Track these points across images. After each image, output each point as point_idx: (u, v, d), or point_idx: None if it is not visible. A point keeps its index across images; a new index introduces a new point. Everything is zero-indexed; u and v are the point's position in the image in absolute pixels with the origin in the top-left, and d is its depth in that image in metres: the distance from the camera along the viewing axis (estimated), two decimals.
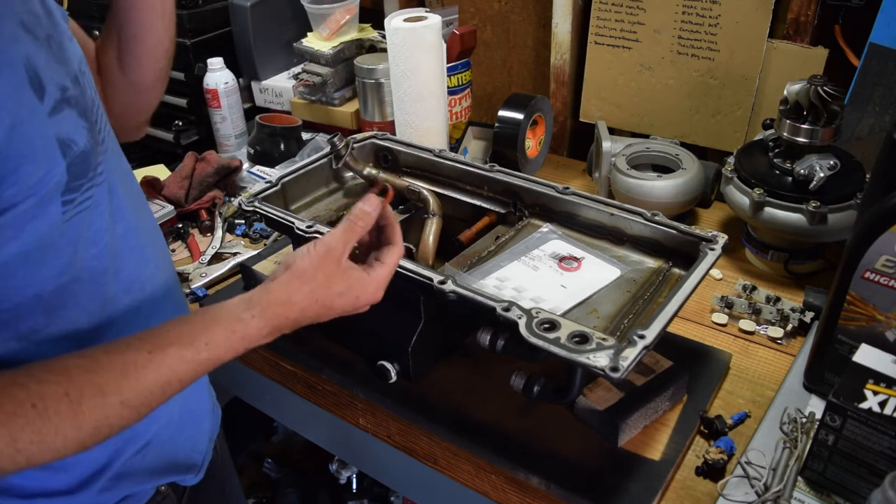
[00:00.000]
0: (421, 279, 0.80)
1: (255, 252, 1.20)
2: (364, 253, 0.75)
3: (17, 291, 0.57)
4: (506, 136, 1.30)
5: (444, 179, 1.07)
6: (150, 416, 0.73)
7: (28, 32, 0.55)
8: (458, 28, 1.42)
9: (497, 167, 1.02)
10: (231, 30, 1.59)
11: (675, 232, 0.87)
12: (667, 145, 1.29)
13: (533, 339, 0.69)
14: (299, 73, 1.57)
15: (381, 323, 0.92)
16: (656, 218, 0.89)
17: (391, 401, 0.92)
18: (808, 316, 0.99)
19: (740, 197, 1.09)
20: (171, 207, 1.31)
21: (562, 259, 0.91)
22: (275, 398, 1.11)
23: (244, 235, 1.30)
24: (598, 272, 0.88)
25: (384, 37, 1.42)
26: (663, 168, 1.27)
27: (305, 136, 1.53)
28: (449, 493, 0.90)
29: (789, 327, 0.99)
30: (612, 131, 1.42)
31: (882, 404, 0.69)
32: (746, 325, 1.02)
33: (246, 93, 1.64)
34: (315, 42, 1.53)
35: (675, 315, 0.73)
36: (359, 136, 1.12)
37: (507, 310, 0.73)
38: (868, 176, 0.95)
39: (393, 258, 0.72)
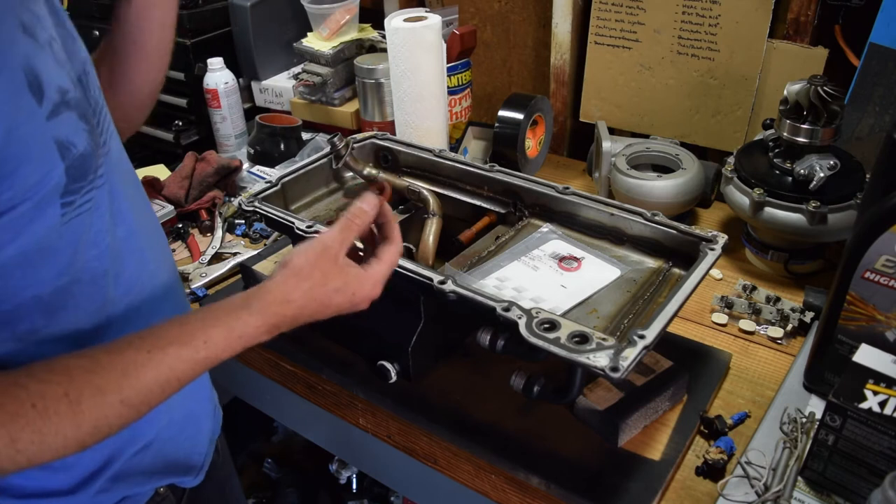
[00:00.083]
0: (421, 279, 0.80)
1: (255, 252, 1.20)
2: (366, 252, 0.75)
3: (16, 292, 0.57)
4: (506, 136, 1.30)
5: (444, 179, 1.07)
6: (151, 417, 0.73)
7: (28, 34, 0.55)
8: (458, 28, 1.42)
9: (497, 167, 1.02)
10: (231, 30, 1.59)
11: (675, 232, 0.87)
12: (667, 145, 1.29)
13: (533, 339, 0.69)
14: (299, 73, 1.57)
15: (381, 323, 0.92)
16: (656, 218, 0.89)
17: (391, 401, 0.92)
18: (808, 316, 0.99)
19: (740, 197, 1.09)
20: (171, 207, 1.31)
21: (562, 259, 0.91)
22: (275, 398, 1.11)
23: (244, 235, 1.30)
24: (598, 272, 0.88)
25: (384, 37, 1.42)
26: (663, 168, 1.27)
27: (305, 136, 1.53)
28: (449, 493, 0.90)
29: (789, 327, 0.99)
30: (612, 131, 1.41)
31: (882, 404, 0.69)
32: (746, 325, 1.02)
33: (246, 93, 1.64)
34: (315, 42, 1.53)
35: (675, 315, 0.73)
36: (359, 136, 1.12)
37: (507, 310, 0.73)
38: (868, 176, 0.95)
39: (390, 255, 0.72)
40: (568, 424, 0.85)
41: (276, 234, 1.27)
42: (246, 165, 1.46)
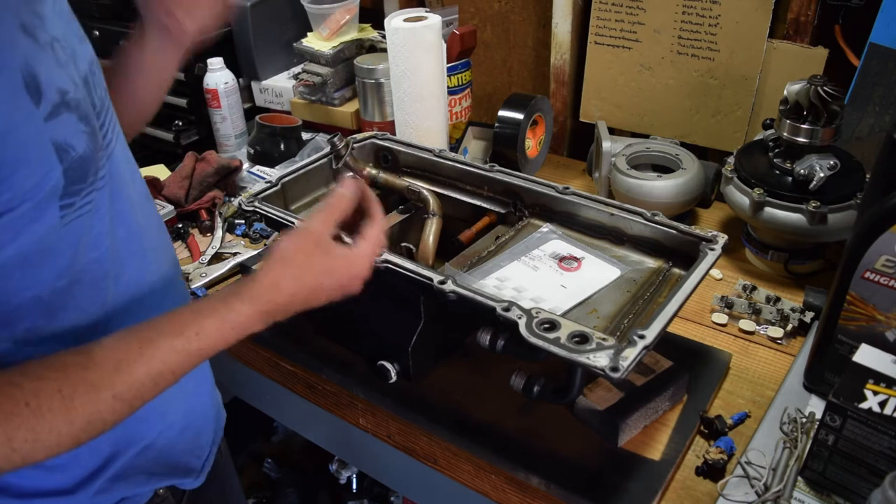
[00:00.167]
0: (421, 279, 0.80)
1: (255, 252, 1.20)
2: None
3: (16, 293, 0.57)
4: (506, 136, 1.30)
5: (444, 179, 1.07)
6: (151, 418, 0.74)
7: (29, 36, 0.54)
8: (458, 28, 1.42)
9: (497, 167, 1.02)
10: (231, 30, 1.59)
11: (675, 232, 0.87)
12: (667, 145, 1.29)
13: (533, 339, 0.69)
14: (299, 73, 1.57)
15: (381, 323, 0.92)
16: (656, 218, 0.89)
17: (391, 401, 0.92)
18: (808, 316, 0.99)
19: (740, 197, 1.09)
20: (171, 207, 1.31)
21: (562, 259, 0.90)
22: (275, 398, 1.11)
23: (244, 235, 1.30)
24: (598, 272, 0.88)
25: (384, 37, 1.42)
26: (663, 168, 1.27)
27: (305, 136, 1.53)
28: (449, 493, 0.90)
29: (789, 327, 0.99)
30: (612, 131, 1.41)
31: (882, 404, 0.69)
32: (746, 325, 1.02)
33: (246, 93, 1.64)
34: (315, 42, 1.53)
35: (675, 315, 0.73)
36: (359, 136, 1.12)
37: (507, 310, 0.73)
38: (868, 176, 0.95)
39: (373, 231, 0.73)
40: (568, 424, 0.85)
41: (276, 234, 1.27)
42: (246, 165, 1.46)
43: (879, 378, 0.71)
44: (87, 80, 0.61)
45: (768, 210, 1.04)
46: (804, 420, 0.83)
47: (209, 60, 1.48)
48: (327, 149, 1.08)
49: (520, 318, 0.72)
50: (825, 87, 0.99)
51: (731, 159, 1.14)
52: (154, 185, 1.33)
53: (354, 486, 1.79)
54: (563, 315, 0.79)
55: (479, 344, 0.80)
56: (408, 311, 0.89)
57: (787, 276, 1.12)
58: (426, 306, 0.88)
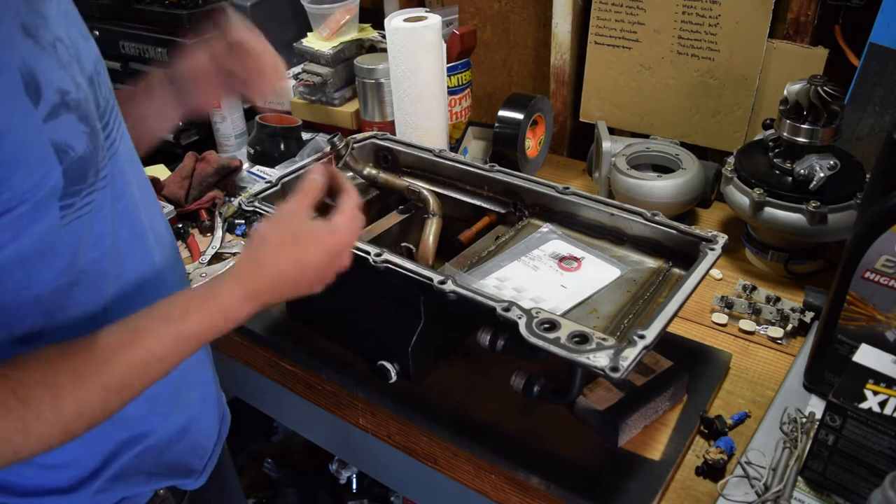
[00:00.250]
0: (421, 279, 0.80)
1: None
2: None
3: (16, 293, 0.57)
4: (506, 136, 1.30)
5: (444, 179, 1.07)
6: (152, 418, 0.73)
7: (29, 36, 0.54)
8: (458, 28, 1.42)
9: (497, 167, 1.02)
10: None
11: (675, 232, 0.87)
12: (667, 145, 1.29)
13: (533, 339, 0.69)
14: (299, 73, 1.57)
15: (381, 323, 0.92)
16: (656, 218, 0.89)
17: (391, 401, 0.92)
18: (808, 316, 0.99)
19: (740, 197, 1.09)
20: (171, 207, 1.31)
21: (562, 259, 0.91)
22: (275, 398, 1.11)
23: (244, 235, 1.30)
24: (598, 272, 0.88)
25: (384, 37, 1.42)
26: (663, 168, 1.27)
27: (305, 136, 1.53)
28: (449, 493, 0.90)
29: (789, 327, 0.99)
30: (612, 131, 1.41)
31: (882, 404, 0.69)
32: (746, 325, 1.02)
33: None
34: (315, 42, 1.53)
35: (675, 315, 0.73)
36: (359, 136, 1.12)
37: (507, 310, 0.73)
38: (868, 176, 0.95)
39: (348, 201, 0.73)
40: (568, 424, 0.85)
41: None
42: (246, 165, 1.46)
43: (879, 378, 0.71)
44: (93, 79, 0.61)
45: (768, 210, 1.04)
46: (804, 420, 0.83)
47: None
48: (327, 149, 1.08)
49: (520, 318, 0.72)
50: (825, 87, 0.99)
51: (731, 159, 1.14)
52: (154, 184, 1.33)
53: (354, 486, 1.79)
54: (563, 315, 0.79)
55: (479, 344, 0.80)
56: (408, 311, 0.89)
57: (787, 276, 1.12)
58: (426, 306, 0.88)
